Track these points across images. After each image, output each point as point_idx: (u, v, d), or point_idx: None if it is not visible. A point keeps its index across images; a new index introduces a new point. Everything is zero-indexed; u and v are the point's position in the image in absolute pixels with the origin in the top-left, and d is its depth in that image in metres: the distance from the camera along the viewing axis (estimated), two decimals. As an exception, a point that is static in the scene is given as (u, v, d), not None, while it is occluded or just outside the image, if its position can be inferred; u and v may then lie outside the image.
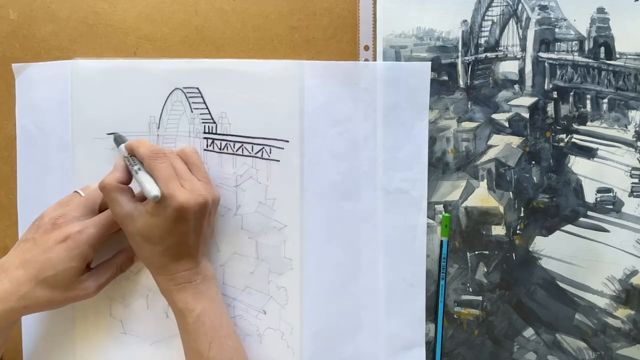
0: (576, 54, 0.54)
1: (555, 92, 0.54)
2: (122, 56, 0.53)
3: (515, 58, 0.54)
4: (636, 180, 0.54)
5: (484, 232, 0.54)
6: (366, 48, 0.53)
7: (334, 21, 0.53)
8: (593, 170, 0.54)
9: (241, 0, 0.53)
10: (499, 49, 0.54)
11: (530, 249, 0.54)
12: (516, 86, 0.54)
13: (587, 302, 0.54)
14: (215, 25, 0.53)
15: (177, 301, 0.46)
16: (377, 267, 0.53)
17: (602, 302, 0.54)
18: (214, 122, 0.52)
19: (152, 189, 0.43)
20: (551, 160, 0.54)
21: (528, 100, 0.54)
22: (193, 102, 0.52)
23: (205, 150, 0.52)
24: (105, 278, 0.48)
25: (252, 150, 0.52)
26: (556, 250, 0.54)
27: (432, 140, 0.54)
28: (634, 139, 0.54)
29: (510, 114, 0.54)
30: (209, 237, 0.51)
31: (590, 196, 0.54)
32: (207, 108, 0.52)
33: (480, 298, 0.54)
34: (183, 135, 0.52)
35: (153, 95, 0.52)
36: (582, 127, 0.54)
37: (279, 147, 0.52)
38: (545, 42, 0.54)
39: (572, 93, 0.54)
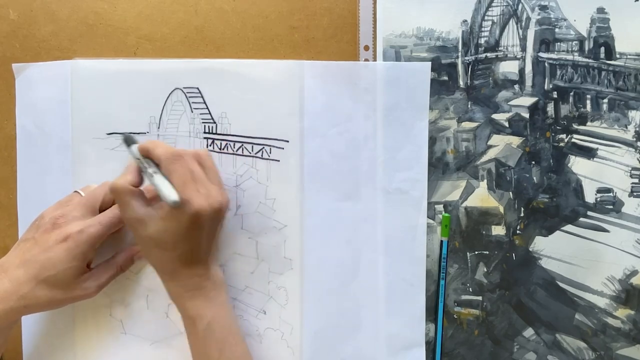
0: (576, 54, 0.54)
1: (555, 92, 0.54)
2: (122, 56, 0.53)
3: (515, 58, 0.54)
4: (636, 180, 0.54)
5: (484, 232, 0.54)
6: (366, 48, 0.53)
7: (334, 21, 0.53)
8: (593, 170, 0.54)
9: (241, 0, 0.53)
10: (499, 49, 0.54)
11: (530, 249, 0.54)
12: (516, 86, 0.54)
13: (587, 302, 0.54)
14: (215, 25, 0.53)
15: (188, 308, 0.45)
16: (377, 267, 0.53)
17: (602, 302, 0.54)
18: (214, 122, 0.52)
19: (171, 194, 0.42)
20: (551, 160, 0.54)
21: (528, 101, 0.54)
22: (193, 102, 0.52)
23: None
24: (105, 278, 0.48)
25: (252, 150, 0.52)
26: (556, 250, 0.54)
27: (432, 140, 0.54)
28: (634, 139, 0.54)
29: (510, 114, 0.54)
30: (218, 242, 0.51)
31: (590, 196, 0.54)
32: (207, 108, 0.52)
33: (480, 298, 0.54)
34: (183, 135, 0.52)
35: (153, 95, 0.52)
36: (582, 127, 0.54)
37: (279, 147, 0.52)
38: (545, 42, 0.54)
39: (572, 93, 0.54)
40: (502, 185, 0.54)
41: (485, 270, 0.54)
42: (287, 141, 0.52)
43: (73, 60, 0.52)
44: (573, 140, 0.54)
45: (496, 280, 0.54)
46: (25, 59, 0.53)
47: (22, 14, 0.53)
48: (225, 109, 0.52)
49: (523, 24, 0.54)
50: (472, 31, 0.54)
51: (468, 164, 0.54)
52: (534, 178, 0.54)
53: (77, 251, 0.44)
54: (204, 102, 0.52)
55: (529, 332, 0.54)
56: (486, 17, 0.54)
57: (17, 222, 0.52)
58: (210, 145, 0.52)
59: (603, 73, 0.54)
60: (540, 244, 0.54)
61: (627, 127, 0.54)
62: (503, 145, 0.54)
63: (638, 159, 0.54)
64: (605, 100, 0.54)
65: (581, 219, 0.54)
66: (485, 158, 0.54)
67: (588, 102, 0.54)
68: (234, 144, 0.52)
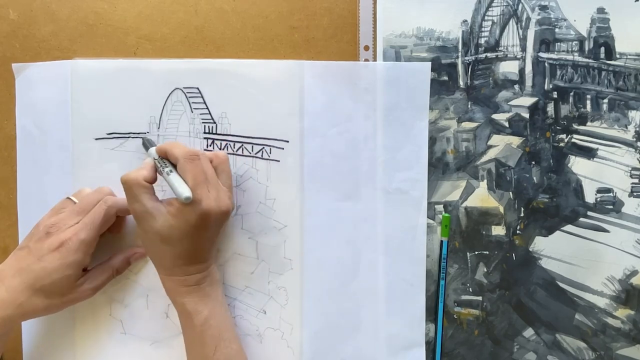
0: (576, 54, 0.54)
1: (555, 92, 0.54)
2: (122, 56, 0.53)
3: (515, 58, 0.54)
4: (636, 181, 0.54)
5: (484, 232, 0.54)
6: (366, 48, 0.53)
7: (334, 21, 0.53)
8: (593, 170, 0.54)
9: (241, 0, 0.53)
10: (499, 49, 0.54)
11: (530, 249, 0.54)
12: (516, 86, 0.54)
13: (587, 302, 0.54)
14: (215, 25, 0.53)
15: (186, 303, 0.46)
16: (377, 267, 0.53)
17: (602, 302, 0.54)
18: (214, 122, 0.52)
19: (185, 190, 0.43)
20: (551, 161, 0.54)
21: (528, 101, 0.54)
22: (193, 102, 0.52)
23: (205, 150, 0.52)
24: (101, 280, 0.48)
25: (252, 151, 0.52)
26: (556, 250, 0.54)
27: (432, 141, 0.54)
28: (634, 139, 0.54)
29: (510, 114, 0.54)
30: (218, 242, 0.52)
31: (590, 196, 0.54)
32: (207, 108, 0.52)
33: (480, 298, 0.54)
34: (183, 135, 0.52)
35: (153, 95, 0.52)
36: (582, 127, 0.54)
37: (279, 147, 0.52)
38: (546, 42, 0.54)
39: (572, 93, 0.54)
40: (502, 186, 0.54)
41: (485, 270, 0.54)
42: (287, 141, 0.52)
43: (73, 60, 0.52)
44: (573, 140, 0.54)
45: (496, 280, 0.54)
46: (25, 59, 0.53)
47: (22, 14, 0.53)
48: (225, 109, 0.52)
49: (523, 24, 0.54)
50: (472, 31, 0.54)
51: (468, 164, 0.54)
52: (534, 178, 0.54)
53: (70, 259, 0.45)
54: (204, 102, 0.52)
55: (529, 332, 0.54)
56: (486, 17, 0.54)
57: (17, 222, 0.52)
58: (210, 146, 0.52)
59: (603, 73, 0.54)
60: (540, 244, 0.54)
61: (627, 127, 0.54)
62: (503, 145, 0.54)
63: (638, 159, 0.54)
64: (605, 101, 0.54)
65: (581, 219, 0.54)
66: (485, 158, 0.54)
67: (588, 102, 0.54)
68: (234, 144, 0.52)
